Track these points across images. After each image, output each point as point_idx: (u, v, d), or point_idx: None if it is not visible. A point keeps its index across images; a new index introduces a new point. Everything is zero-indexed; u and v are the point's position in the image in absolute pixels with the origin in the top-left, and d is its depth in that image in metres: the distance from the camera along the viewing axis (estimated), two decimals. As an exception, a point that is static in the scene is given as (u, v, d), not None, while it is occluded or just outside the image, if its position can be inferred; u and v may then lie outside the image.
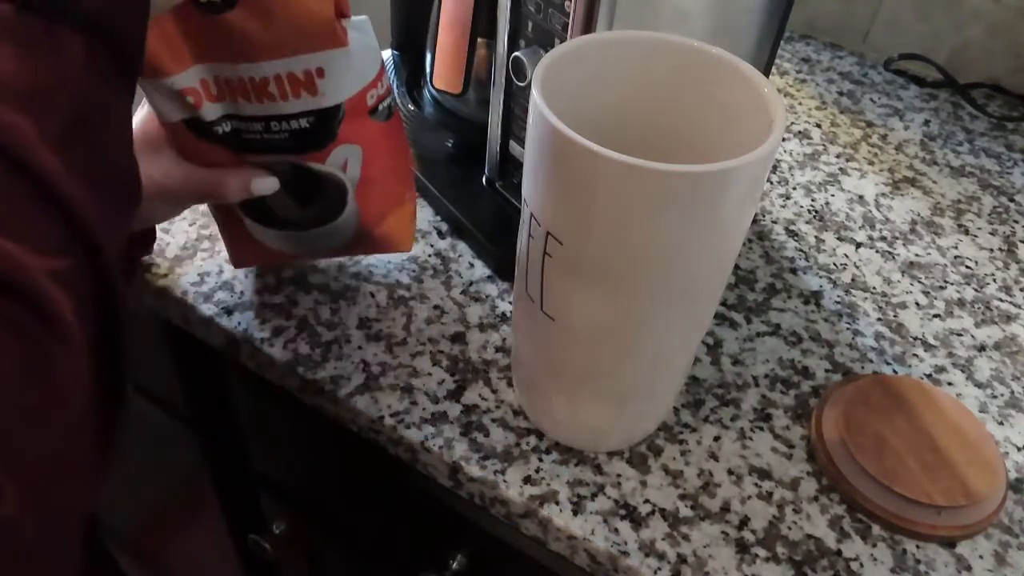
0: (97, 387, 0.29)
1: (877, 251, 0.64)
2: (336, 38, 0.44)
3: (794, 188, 0.70)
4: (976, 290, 0.62)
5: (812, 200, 0.69)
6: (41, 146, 0.27)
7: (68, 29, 0.29)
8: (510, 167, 0.61)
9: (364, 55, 0.46)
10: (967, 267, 0.64)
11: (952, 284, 0.62)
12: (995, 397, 0.54)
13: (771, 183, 0.70)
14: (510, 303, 0.56)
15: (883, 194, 0.70)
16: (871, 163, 0.74)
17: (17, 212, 0.26)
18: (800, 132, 0.77)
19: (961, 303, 0.60)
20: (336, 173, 0.49)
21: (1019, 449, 0.51)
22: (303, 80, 0.45)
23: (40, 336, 0.25)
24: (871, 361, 0.55)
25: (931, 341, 0.57)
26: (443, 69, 0.61)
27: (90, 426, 0.29)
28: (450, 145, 0.67)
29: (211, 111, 0.45)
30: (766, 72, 0.57)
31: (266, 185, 0.49)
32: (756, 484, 0.47)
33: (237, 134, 0.47)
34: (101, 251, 0.29)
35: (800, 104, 0.81)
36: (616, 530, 0.44)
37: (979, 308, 0.60)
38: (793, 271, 0.62)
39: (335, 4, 0.45)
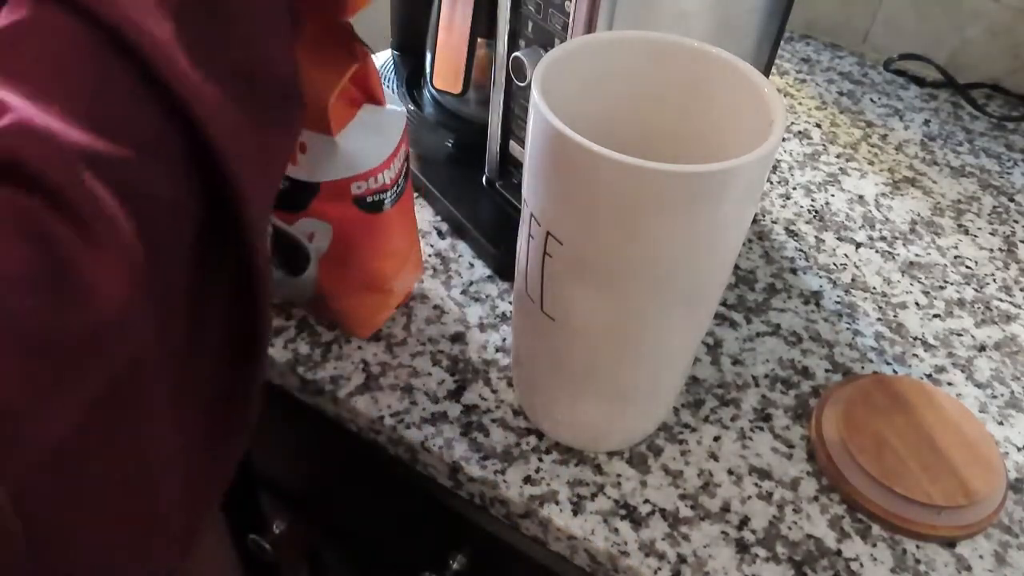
0: (203, 337, 0.23)
1: (877, 251, 0.64)
2: (323, 125, 0.44)
3: (794, 188, 0.70)
4: (976, 290, 0.62)
5: (812, 200, 0.69)
6: (155, 11, 0.22)
7: None
8: (510, 167, 0.60)
9: (358, 150, 0.46)
10: (967, 267, 0.64)
11: (952, 284, 0.62)
12: (995, 397, 0.54)
13: (771, 183, 0.70)
14: (510, 303, 0.56)
15: (883, 194, 0.70)
16: (871, 163, 0.74)
17: (99, 90, 0.21)
18: (800, 132, 0.77)
19: (961, 303, 0.60)
20: (299, 238, 0.48)
21: (1019, 449, 0.50)
22: None
23: (63, 240, 0.19)
24: (871, 361, 0.55)
25: (931, 341, 0.57)
26: (443, 69, 0.61)
27: (191, 396, 0.23)
28: (450, 145, 0.67)
29: None
30: (766, 72, 0.57)
31: None
32: (756, 484, 0.47)
33: None
34: (218, 153, 0.23)
35: (800, 104, 0.81)
36: (616, 530, 0.44)
37: (979, 308, 0.60)
38: (793, 271, 0.62)
39: (363, 90, 0.45)
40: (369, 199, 0.47)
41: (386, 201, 0.48)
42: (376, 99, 0.46)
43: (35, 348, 0.18)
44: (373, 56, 0.46)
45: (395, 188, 0.49)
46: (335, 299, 0.51)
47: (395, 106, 0.48)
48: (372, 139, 0.46)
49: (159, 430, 0.22)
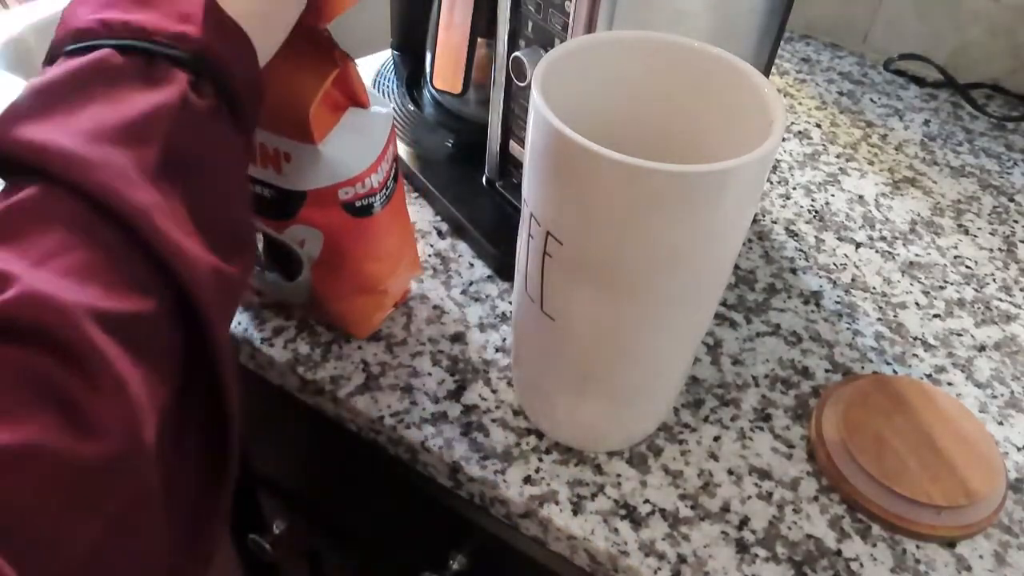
0: (184, 450, 0.26)
1: (877, 251, 0.64)
2: (306, 134, 0.43)
3: (794, 188, 0.70)
4: (976, 290, 0.62)
5: (812, 200, 0.69)
6: (136, 180, 0.26)
7: (168, 63, 0.28)
8: (510, 167, 0.61)
9: (343, 155, 0.45)
10: (967, 267, 0.64)
11: (952, 284, 0.62)
12: (995, 397, 0.54)
13: (771, 183, 0.70)
14: (510, 303, 0.56)
15: (883, 194, 0.70)
16: (871, 163, 0.74)
17: (91, 254, 0.25)
18: (800, 132, 0.77)
19: (961, 303, 0.60)
20: (291, 245, 0.48)
21: (1019, 449, 0.50)
22: (272, 155, 0.45)
23: (76, 393, 0.23)
24: (871, 361, 0.55)
25: (931, 341, 0.57)
26: (443, 69, 0.61)
27: (177, 504, 0.26)
28: (450, 145, 0.67)
29: None
30: (766, 72, 0.57)
31: None
32: (756, 484, 0.47)
33: None
34: (194, 297, 0.26)
35: (800, 104, 0.81)
36: (616, 530, 0.44)
37: (979, 308, 0.60)
38: (793, 271, 0.62)
39: (346, 94, 0.44)
40: (358, 203, 0.47)
41: (375, 204, 0.48)
42: (360, 102, 0.46)
43: (63, 482, 0.22)
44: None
45: (384, 191, 0.48)
46: (330, 301, 0.51)
47: (381, 107, 0.47)
48: (358, 143, 0.45)
49: (155, 533, 0.26)
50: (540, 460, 0.47)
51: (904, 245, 0.65)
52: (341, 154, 0.45)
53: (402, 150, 0.66)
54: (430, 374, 0.51)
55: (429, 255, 0.59)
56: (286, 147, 0.44)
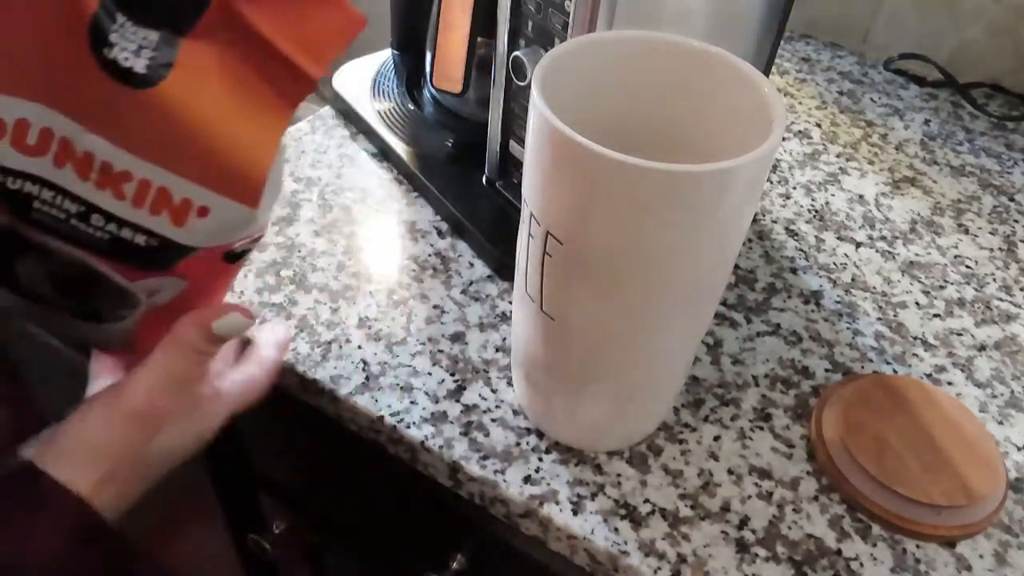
0: None
1: (877, 251, 0.64)
2: (248, 196, 0.36)
3: (794, 188, 0.70)
4: (976, 290, 0.62)
5: (812, 200, 0.69)
6: None
7: None
8: (510, 167, 0.61)
9: (266, 206, 0.38)
10: (967, 267, 0.64)
11: (952, 284, 0.62)
12: (995, 397, 0.54)
13: (771, 183, 0.70)
14: (510, 303, 0.56)
15: (883, 194, 0.70)
16: (871, 163, 0.74)
17: None
18: (800, 132, 0.77)
19: (961, 303, 0.60)
20: (137, 294, 0.39)
21: (1019, 449, 0.50)
22: (177, 205, 0.35)
23: None
24: (871, 361, 0.55)
25: (931, 341, 0.57)
26: (443, 69, 0.61)
27: None
28: (450, 145, 0.67)
29: (9, 158, 0.34)
30: (766, 72, 0.57)
31: (230, 323, 0.40)
32: (756, 484, 0.47)
33: (27, 199, 0.35)
34: None
35: (800, 104, 0.81)
36: (616, 530, 0.44)
37: (979, 308, 0.60)
38: (793, 271, 0.62)
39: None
40: (239, 249, 0.39)
41: (247, 250, 0.41)
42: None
43: None
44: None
45: (257, 239, 0.42)
46: (145, 350, 0.40)
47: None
48: (270, 189, 0.37)
49: None
50: (540, 460, 0.47)
51: (904, 245, 0.65)
52: (264, 207, 0.38)
53: (402, 150, 0.66)
54: (430, 374, 0.51)
55: (429, 255, 0.60)
56: (206, 201, 0.35)
